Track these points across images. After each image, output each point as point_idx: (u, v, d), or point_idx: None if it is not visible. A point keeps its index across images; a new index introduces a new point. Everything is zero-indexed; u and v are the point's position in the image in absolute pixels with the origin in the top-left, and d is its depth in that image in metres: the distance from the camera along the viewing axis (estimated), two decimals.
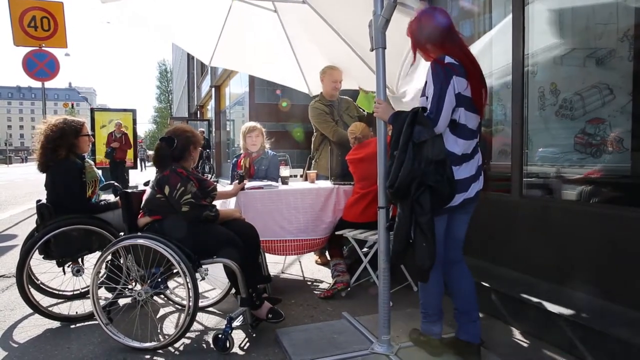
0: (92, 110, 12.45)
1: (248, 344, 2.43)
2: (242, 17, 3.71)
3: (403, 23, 2.13)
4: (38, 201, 2.77)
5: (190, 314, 2.25)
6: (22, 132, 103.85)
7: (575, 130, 2.84)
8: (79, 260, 2.88)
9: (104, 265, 2.51)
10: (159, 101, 55.35)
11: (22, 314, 2.85)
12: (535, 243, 2.85)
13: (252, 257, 2.60)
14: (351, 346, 2.24)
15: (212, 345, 2.33)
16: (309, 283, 3.58)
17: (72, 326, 2.66)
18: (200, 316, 2.80)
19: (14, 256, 4.27)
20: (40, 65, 7.41)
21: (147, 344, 2.32)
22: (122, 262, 2.45)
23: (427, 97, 1.94)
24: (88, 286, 2.51)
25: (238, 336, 2.48)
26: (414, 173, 1.84)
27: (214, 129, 17.25)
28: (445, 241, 2.06)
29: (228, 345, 2.28)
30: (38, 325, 2.68)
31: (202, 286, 3.06)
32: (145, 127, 66.18)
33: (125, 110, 12.34)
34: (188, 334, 2.42)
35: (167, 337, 2.33)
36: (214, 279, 2.85)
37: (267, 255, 3.15)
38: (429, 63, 1.98)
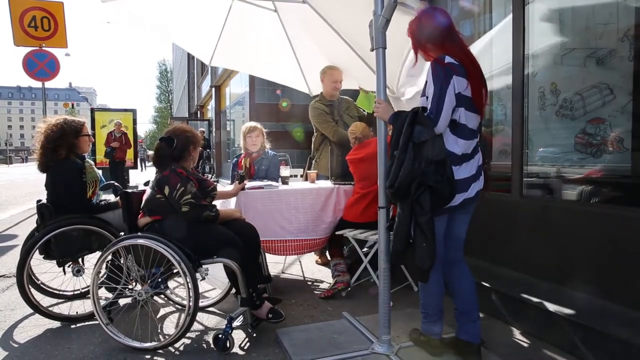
0: (93, 110, 12.44)
1: (248, 344, 2.43)
2: (242, 16, 3.71)
3: (403, 23, 2.13)
4: (38, 201, 2.77)
5: (190, 314, 2.25)
6: (23, 132, 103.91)
7: (575, 130, 2.84)
8: (79, 260, 2.88)
9: (104, 265, 2.51)
10: (159, 101, 55.41)
11: (22, 314, 2.85)
12: (536, 243, 2.85)
13: (252, 257, 2.60)
14: (351, 346, 2.24)
15: (212, 345, 2.33)
16: (309, 283, 3.58)
17: (73, 326, 2.67)
18: (200, 316, 2.80)
19: (14, 256, 4.27)
20: (41, 65, 7.41)
21: (148, 344, 2.32)
22: (122, 262, 2.45)
23: (427, 97, 1.94)
24: (88, 286, 2.51)
25: (238, 336, 2.48)
26: (414, 173, 1.84)
27: (214, 129, 17.26)
28: (445, 241, 2.06)
29: (228, 345, 2.28)
30: (38, 325, 2.68)
31: (202, 286, 3.06)
32: (145, 127, 66.31)
33: (125, 110, 12.33)
34: (188, 334, 2.42)
35: (167, 337, 2.33)
36: (214, 279, 2.85)
37: (267, 255, 3.15)
38: (429, 63, 1.99)
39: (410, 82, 3.21)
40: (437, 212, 1.90)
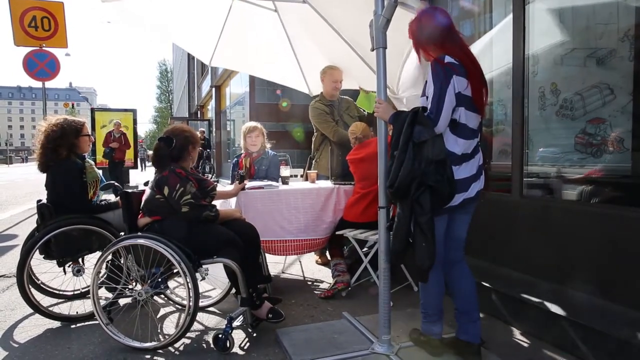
0: (93, 110, 12.46)
1: (248, 344, 2.43)
2: (242, 16, 3.71)
3: (404, 23, 2.13)
4: (38, 201, 2.77)
5: (190, 313, 2.25)
6: (23, 132, 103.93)
7: (575, 130, 2.84)
8: (80, 260, 2.88)
9: (104, 265, 2.51)
10: (159, 101, 55.44)
11: (22, 313, 2.85)
12: (536, 243, 2.85)
13: (252, 257, 2.60)
14: (351, 346, 2.23)
15: (212, 345, 2.33)
16: (309, 283, 3.58)
17: (73, 326, 2.67)
18: (200, 316, 2.80)
19: (14, 256, 4.27)
20: (41, 65, 7.41)
21: (148, 344, 2.32)
22: (122, 262, 2.45)
23: (427, 97, 1.95)
24: (88, 286, 2.51)
25: (238, 336, 2.48)
26: (414, 173, 1.84)
27: (214, 129, 17.26)
28: (445, 241, 2.06)
29: (228, 345, 2.28)
30: (38, 325, 2.68)
31: (202, 286, 3.05)
32: (145, 127, 66.35)
33: (125, 110, 12.35)
34: (188, 334, 2.42)
35: (167, 337, 2.33)
36: (214, 279, 2.85)
37: (267, 255, 3.15)
38: (429, 63, 1.99)
39: (411, 81, 3.20)
40: (437, 212, 1.90)
